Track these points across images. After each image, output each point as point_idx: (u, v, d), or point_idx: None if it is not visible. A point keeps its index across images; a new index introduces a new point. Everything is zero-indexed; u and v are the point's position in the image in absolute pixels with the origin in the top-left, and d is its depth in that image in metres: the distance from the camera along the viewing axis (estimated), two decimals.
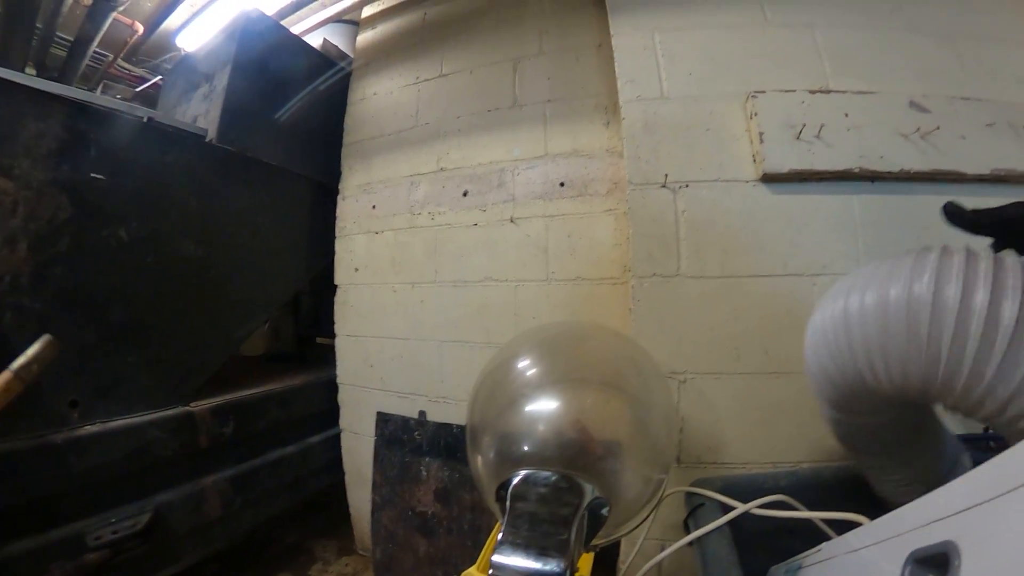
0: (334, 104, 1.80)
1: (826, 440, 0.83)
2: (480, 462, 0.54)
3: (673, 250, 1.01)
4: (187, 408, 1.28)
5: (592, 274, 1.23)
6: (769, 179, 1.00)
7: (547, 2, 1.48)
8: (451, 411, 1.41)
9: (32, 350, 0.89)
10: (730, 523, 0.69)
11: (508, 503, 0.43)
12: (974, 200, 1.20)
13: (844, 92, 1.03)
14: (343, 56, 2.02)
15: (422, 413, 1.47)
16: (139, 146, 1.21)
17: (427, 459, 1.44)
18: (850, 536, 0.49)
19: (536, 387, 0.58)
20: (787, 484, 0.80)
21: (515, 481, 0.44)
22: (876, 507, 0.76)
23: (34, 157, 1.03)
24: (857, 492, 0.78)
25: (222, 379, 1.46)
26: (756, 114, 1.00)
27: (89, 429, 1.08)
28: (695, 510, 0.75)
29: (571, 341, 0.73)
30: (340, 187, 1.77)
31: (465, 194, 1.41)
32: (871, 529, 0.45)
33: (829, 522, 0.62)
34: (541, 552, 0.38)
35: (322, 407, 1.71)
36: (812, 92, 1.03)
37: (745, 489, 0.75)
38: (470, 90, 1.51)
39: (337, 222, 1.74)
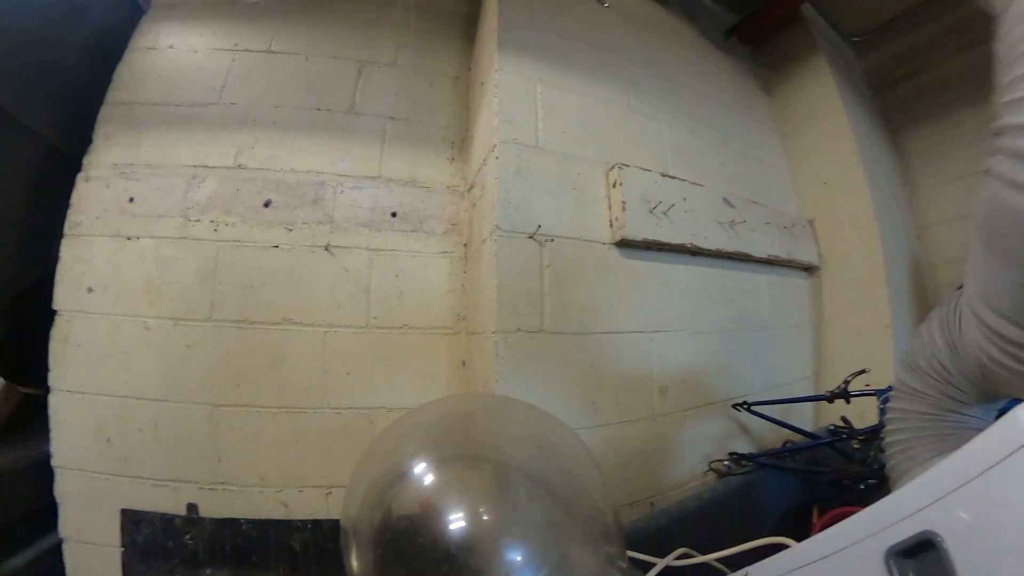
0: (107, 43, 1.25)
1: (671, 475, 1.06)
2: None
3: (538, 305, 0.95)
4: None
5: (422, 322, 1.04)
6: (624, 244, 1.05)
7: (412, 16, 1.32)
8: (235, 501, 1.01)
9: None
10: None
11: None
12: (758, 277, 1.48)
13: (684, 181, 1.16)
14: None
15: (192, 507, 1.01)
16: None
17: (209, 571, 1.00)
18: (797, 551, 0.49)
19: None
20: (665, 521, 0.88)
21: None
22: (745, 519, 1.00)
23: None
24: (722, 509, 0.95)
25: None
26: (621, 184, 1.05)
27: None
28: None
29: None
30: (85, 161, 1.21)
31: (267, 204, 1.05)
32: (833, 536, 0.45)
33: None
34: None
35: (29, 506, 1.05)
36: (662, 175, 1.13)
37: (639, 537, 0.79)
38: (300, 79, 1.19)
39: (70, 212, 1.16)
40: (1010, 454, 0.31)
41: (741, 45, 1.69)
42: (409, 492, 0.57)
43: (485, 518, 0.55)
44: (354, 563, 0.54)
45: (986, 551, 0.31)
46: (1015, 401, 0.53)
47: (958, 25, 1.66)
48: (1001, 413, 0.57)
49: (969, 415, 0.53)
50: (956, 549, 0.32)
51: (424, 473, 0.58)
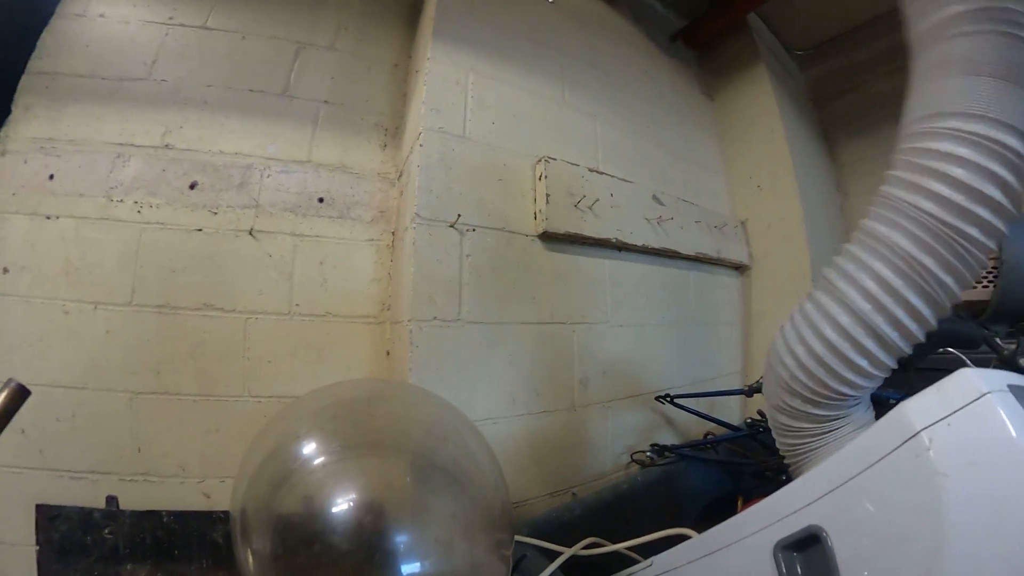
0: (33, 5, 1.17)
1: (594, 466, 1.05)
2: None
3: (456, 294, 0.95)
4: None
5: (345, 311, 1.03)
6: (547, 237, 1.07)
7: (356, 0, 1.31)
8: (156, 492, 0.97)
9: None
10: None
11: None
12: (686, 274, 1.50)
13: (612, 176, 1.18)
14: None
15: (112, 499, 0.97)
16: None
17: (129, 566, 0.95)
18: (696, 543, 0.50)
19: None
20: (581, 512, 0.89)
21: None
22: (667, 509, 1.00)
23: None
24: (641, 499, 0.97)
25: None
26: (546, 177, 1.05)
27: None
28: (519, 562, 0.70)
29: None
30: (2, 133, 1.14)
31: (193, 186, 1.02)
32: (728, 529, 0.46)
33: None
34: None
35: None
36: (590, 170, 1.14)
37: (553, 527, 0.79)
38: (235, 58, 1.15)
39: None
40: (893, 449, 0.31)
41: (687, 50, 1.73)
42: (292, 477, 0.57)
43: (361, 500, 0.55)
44: (241, 551, 0.55)
45: (866, 545, 0.31)
46: (898, 395, 0.53)
47: (893, 48, 1.75)
48: (876, 402, 0.52)
49: (854, 416, 0.49)
50: (839, 543, 0.33)
51: (308, 457, 0.58)
